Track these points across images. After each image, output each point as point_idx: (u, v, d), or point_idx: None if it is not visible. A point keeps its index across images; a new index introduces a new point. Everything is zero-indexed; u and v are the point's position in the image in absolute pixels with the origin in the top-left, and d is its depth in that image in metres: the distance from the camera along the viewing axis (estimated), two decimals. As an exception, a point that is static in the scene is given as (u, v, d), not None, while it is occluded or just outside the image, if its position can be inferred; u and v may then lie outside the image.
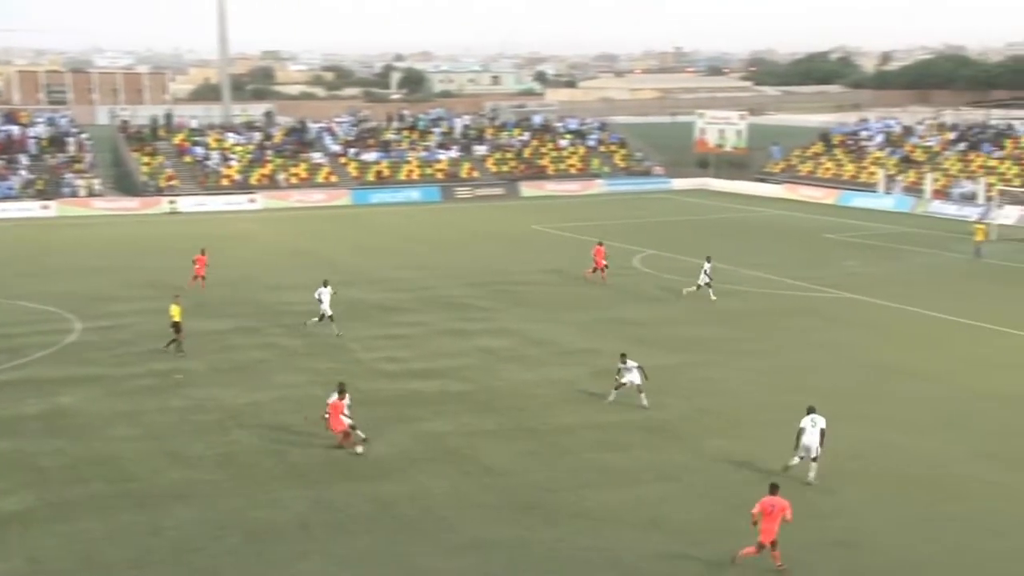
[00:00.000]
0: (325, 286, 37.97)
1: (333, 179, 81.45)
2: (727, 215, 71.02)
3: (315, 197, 78.29)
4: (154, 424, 28.07)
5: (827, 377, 32.05)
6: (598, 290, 45.51)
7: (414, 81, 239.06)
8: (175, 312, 35.27)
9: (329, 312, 37.52)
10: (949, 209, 70.83)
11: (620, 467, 24.58)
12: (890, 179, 77.37)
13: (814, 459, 23.72)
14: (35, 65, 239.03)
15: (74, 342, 36.94)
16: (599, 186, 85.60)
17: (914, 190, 75.52)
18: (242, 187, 78.37)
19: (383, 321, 39.72)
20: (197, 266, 44.94)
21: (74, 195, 74.23)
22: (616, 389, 29.46)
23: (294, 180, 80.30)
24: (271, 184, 79.28)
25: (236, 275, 48.97)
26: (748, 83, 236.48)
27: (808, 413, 24.05)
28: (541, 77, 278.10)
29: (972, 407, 29.12)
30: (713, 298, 42.11)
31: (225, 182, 78.89)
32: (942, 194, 73.68)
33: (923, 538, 21.08)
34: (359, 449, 25.71)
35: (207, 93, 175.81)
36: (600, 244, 47.95)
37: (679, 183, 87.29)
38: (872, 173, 79.81)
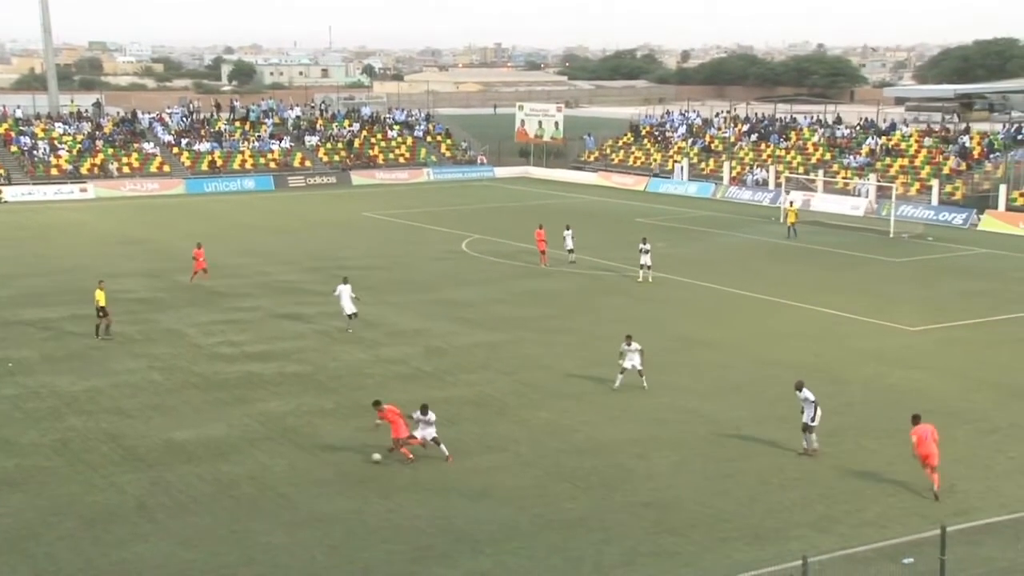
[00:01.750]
0: (345, 283, 35.44)
1: (166, 169, 78.68)
2: (547, 201, 72.05)
3: (149, 186, 75.48)
4: (-14, 414, 26.59)
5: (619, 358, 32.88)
6: (426, 273, 45.53)
7: (245, 73, 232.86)
8: (100, 297, 33.79)
9: (352, 310, 34.99)
10: (744, 195, 73.79)
11: (450, 440, 24.68)
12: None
13: (811, 429, 24.06)
14: None
15: (-101, 333, 34.60)
16: (427, 175, 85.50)
17: (714, 177, 78.37)
18: (73, 177, 74.83)
19: (220, 306, 38.70)
20: (197, 260, 42.03)
21: None
22: (621, 374, 28.86)
23: (126, 170, 77.17)
24: (103, 174, 75.98)
25: (69, 264, 46.82)
26: (563, 78, 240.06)
27: (799, 390, 24.16)
28: (369, 70, 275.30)
29: (759, 373, 30.42)
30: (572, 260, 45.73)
31: (55, 172, 75.17)
32: (738, 181, 76.69)
33: (719, 493, 21.94)
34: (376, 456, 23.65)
35: (32, 83, 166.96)
36: (541, 227, 47.78)
37: (502, 171, 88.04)
38: (677, 161, 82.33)
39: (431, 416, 23.42)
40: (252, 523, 20.38)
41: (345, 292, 35.06)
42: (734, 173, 77.77)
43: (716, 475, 22.97)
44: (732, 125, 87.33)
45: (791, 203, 59.73)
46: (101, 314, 34.02)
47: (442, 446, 23.41)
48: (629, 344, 29.00)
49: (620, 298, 40.88)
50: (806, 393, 24.19)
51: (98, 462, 23.45)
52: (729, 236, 57.35)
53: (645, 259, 43.67)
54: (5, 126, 79.49)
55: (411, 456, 23.33)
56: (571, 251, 47.07)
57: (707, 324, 36.82)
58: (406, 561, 18.87)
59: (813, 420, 24.03)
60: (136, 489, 21.94)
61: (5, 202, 69.48)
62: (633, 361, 28.81)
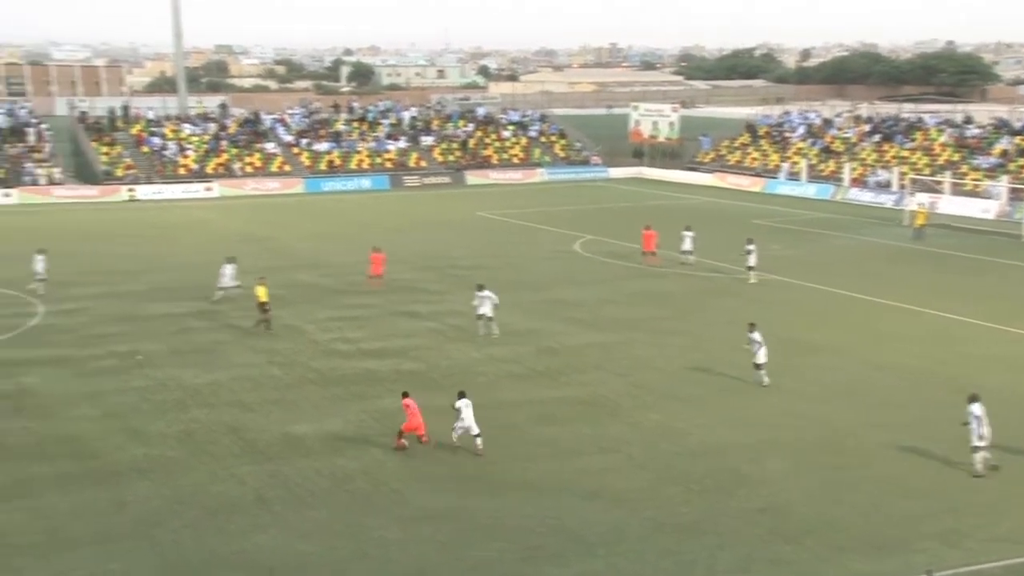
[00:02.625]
0: (480, 290, 34.53)
1: (287, 168, 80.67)
2: (661, 202, 71.46)
3: (270, 185, 77.51)
4: (115, 403, 27.70)
5: (747, 353, 32.33)
6: (538, 273, 45.61)
7: (363, 74, 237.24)
8: (261, 293, 35.23)
9: (486, 313, 34.18)
10: (865, 196, 71.90)
11: (562, 440, 24.71)
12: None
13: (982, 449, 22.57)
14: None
15: (37, 325, 36.31)
16: (540, 175, 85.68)
17: (834, 179, 76.57)
18: (199, 176, 77.38)
19: (337, 304, 39.49)
20: (373, 264, 42.54)
21: (34, 183, 72.78)
22: (759, 370, 28.86)
23: (249, 169, 79.40)
24: (227, 173, 78.34)
25: (194, 260, 48.38)
26: (679, 77, 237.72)
27: (971, 403, 22.72)
28: (484, 71, 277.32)
29: (872, 377, 29.58)
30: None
31: (182, 171, 77.83)
32: (859, 182, 74.74)
33: (834, 501, 21.43)
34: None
35: (163, 85, 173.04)
36: (648, 228, 47.85)
37: (615, 172, 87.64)
38: (795, 163, 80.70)
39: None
40: (366, 518, 20.74)
41: (486, 300, 34.21)
42: (855, 174, 75.83)
43: (832, 482, 22.45)
44: (854, 125, 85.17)
45: (920, 204, 57.95)
46: (262, 309, 35.24)
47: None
48: (752, 331, 28.88)
49: (732, 300, 40.30)
50: (974, 408, 22.47)
51: (220, 453, 24.19)
52: (847, 238, 55.96)
53: (751, 260, 42.98)
54: (138, 127, 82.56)
55: (404, 444, 24.20)
56: (687, 252, 46.51)
57: (819, 327, 35.99)
58: (516, 560, 18.95)
59: (981, 439, 22.34)
60: (255, 481, 22.56)
61: (137, 200, 72.24)
62: (757, 356, 28.65)
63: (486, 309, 34.30)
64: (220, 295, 39.48)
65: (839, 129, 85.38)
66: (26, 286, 40.90)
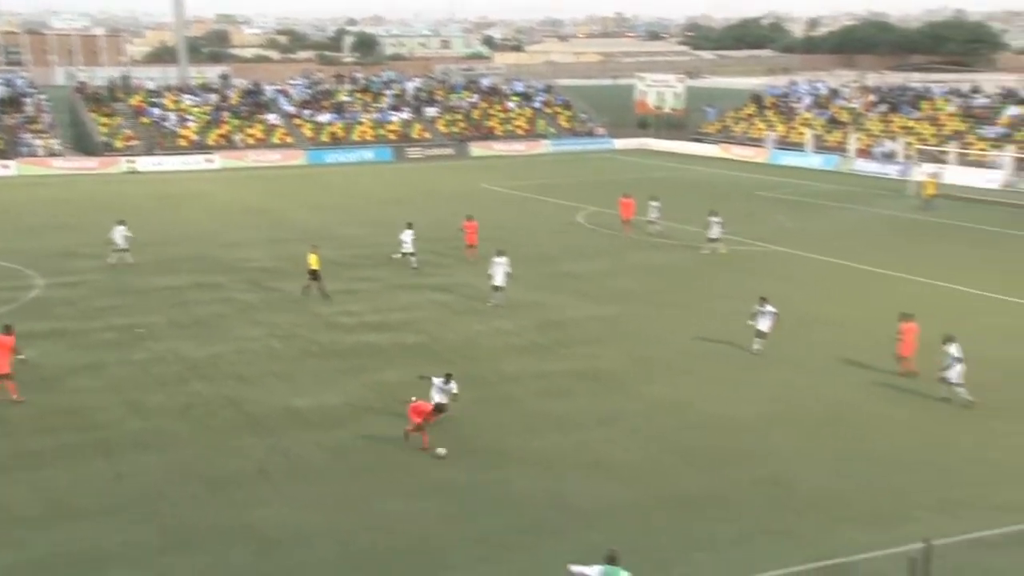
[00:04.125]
0: (499, 255, 34.91)
1: (288, 140, 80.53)
2: (666, 173, 71.29)
3: (271, 157, 77.41)
4: (116, 376, 27.78)
5: (750, 326, 32.35)
6: (542, 245, 45.57)
7: (366, 45, 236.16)
8: (313, 261, 35.53)
9: (500, 283, 34.62)
10: (871, 167, 71.67)
11: (564, 413, 24.77)
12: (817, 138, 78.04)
13: (958, 385, 24.99)
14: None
15: (36, 297, 36.37)
16: (545, 146, 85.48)
17: (840, 149, 76.30)
18: (200, 147, 77.28)
19: (339, 276, 39.48)
20: (467, 233, 42.56)
21: (33, 154, 72.75)
22: (759, 338, 29.14)
23: (250, 141, 79.27)
24: (228, 144, 78.23)
25: (195, 232, 48.39)
26: (685, 48, 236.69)
27: (947, 343, 25.21)
28: (489, 41, 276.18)
29: (879, 352, 29.51)
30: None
31: (183, 142, 77.71)
32: (865, 153, 74.47)
33: (835, 473, 21.50)
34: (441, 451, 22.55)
35: (163, 55, 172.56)
36: (626, 196, 48.35)
37: (621, 143, 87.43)
38: (801, 133, 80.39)
39: (452, 386, 23.66)
40: (368, 490, 20.83)
41: (499, 265, 34.53)
42: (861, 145, 75.55)
43: (835, 454, 22.50)
44: (860, 95, 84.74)
45: (929, 174, 57.73)
46: (312, 276, 35.61)
47: (439, 416, 22.76)
48: (763, 305, 28.90)
49: (737, 273, 40.25)
50: (953, 349, 24.73)
51: (220, 426, 24.28)
52: (852, 210, 55.81)
53: (714, 232, 42.81)
54: (138, 98, 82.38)
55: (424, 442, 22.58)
56: (653, 222, 46.96)
57: (824, 299, 35.97)
58: (519, 532, 19.04)
59: (959, 378, 24.63)
60: (257, 453, 22.65)
61: (136, 172, 72.17)
62: (762, 324, 28.82)
63: (499, 279, 34.41)
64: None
65: (846, 99, 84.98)
66: (106, 259, 41.32)
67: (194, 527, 19.28)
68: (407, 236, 40.67)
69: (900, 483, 21.06)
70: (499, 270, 34.51)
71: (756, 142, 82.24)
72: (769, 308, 28.98)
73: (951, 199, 56.86)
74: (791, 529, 19.12)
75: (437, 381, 23.68)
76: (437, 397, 23.51)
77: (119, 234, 41.28)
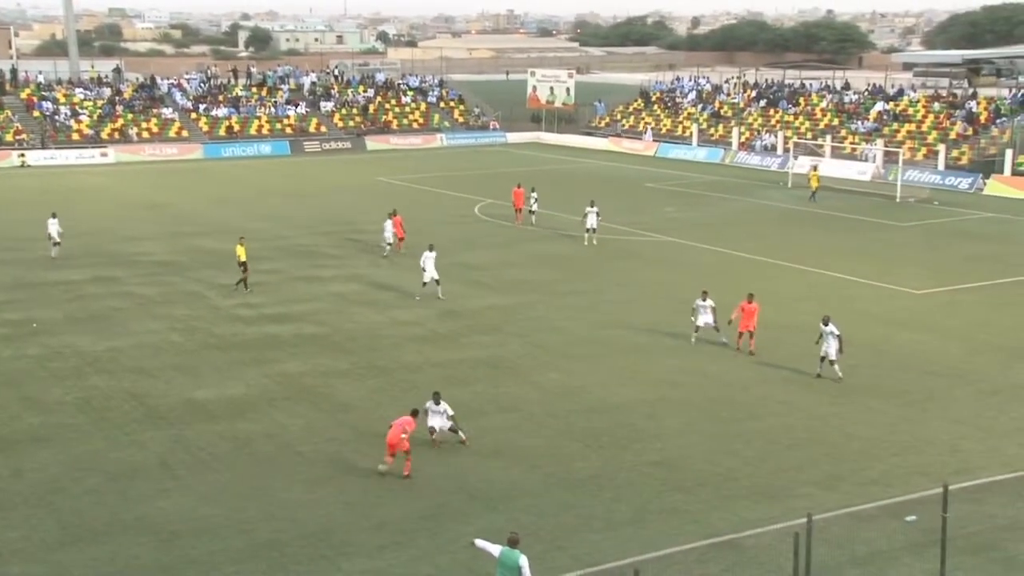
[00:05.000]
0: (431, 251, 34.49)
1: (184, 134, 78.58)
2: (558, 166, 71.75)
3: (168, 151, 75.45)
4: (11, 371, 26.77)
5: (643, 313, 32.88)
6: (439, 237, 45.33)
7: (261, 39, 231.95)
8: (240, 252, 34.64)
9: (435, 276, 34.22)
10: (753, 160, 73.32)
11: (465, 400, 24.73)
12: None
13: (832, 362, 26.00)
14: None
15: (-74, 295, 34.77)
16: (440, 140, 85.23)
17: (723, 143, 77.86)
18: (93, 141, 74.84)
19: (239, 269, 38.69)
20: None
21: (-80, 149, 69.44)
22: (695, 331, 29.09)
23: (146, 135, 77.11)
24: (123, 139, 75.94)
25: (91, 227, 46.89)
26: (575, 44, 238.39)
27: (825, 324, 26.07)
28: (383, 37, 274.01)
29: (766, 336, 30.21)
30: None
31: (76, 136, 75.15)
32: (747, 146, 76.16)
33: (726, 453, 21.95)
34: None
35: (53, 49, 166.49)
36: (519, 186, 48.76)
37: (514, 136, 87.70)
38: (686, 127, 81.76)
39: (443, 406, 21.74)
40: (271, 480, 20.49)
41: (430, 259, 34.27)
42: (743, 139, 77.23)
43: (724, 435, 22.97)
44: (742, 91, 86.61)
45: (815, 167, 59.25)
46: (243, 268, 34.79)
47: (460, 432, 21.99)
48: (704, 299, 29.08)
49: (628, 262, 40.77)
50: (832, 327, 25.87)
51: (121, 420, 23.59)
52: (737, 201, 57.04)
53: (591, 221, 43.21)
54: (28, 91, 79.36)
55: (390, 462, 20.61)
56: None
57: (713, 287, 36.55)
58: (421, 517, 18.95)
59: (840, 352, 25.87)
60: (158, 446, 22.07)
61: (28, 166, 69.55)
62: (706, 318, 28.95)
63: (431, 271, 34.17)
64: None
65: (728, 95, 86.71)
66: (48, 254, 39.97)
67: (94, 521, 18.70)
68: (388, 226, 41.01)
69: (786, 460, 21.61)
70: (429, 264, 34.17)
71: (642, 136, 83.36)
72: (709, 302, 29.18)
73: (828, 191, 58.51)
74: (683, 507, 19.45)
75: (429, 405, 21.80)
76: (433, 421, 21.77)
77: (54, 227, 39.84)
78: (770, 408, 24.65)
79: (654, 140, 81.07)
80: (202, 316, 32.36)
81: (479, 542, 15.46)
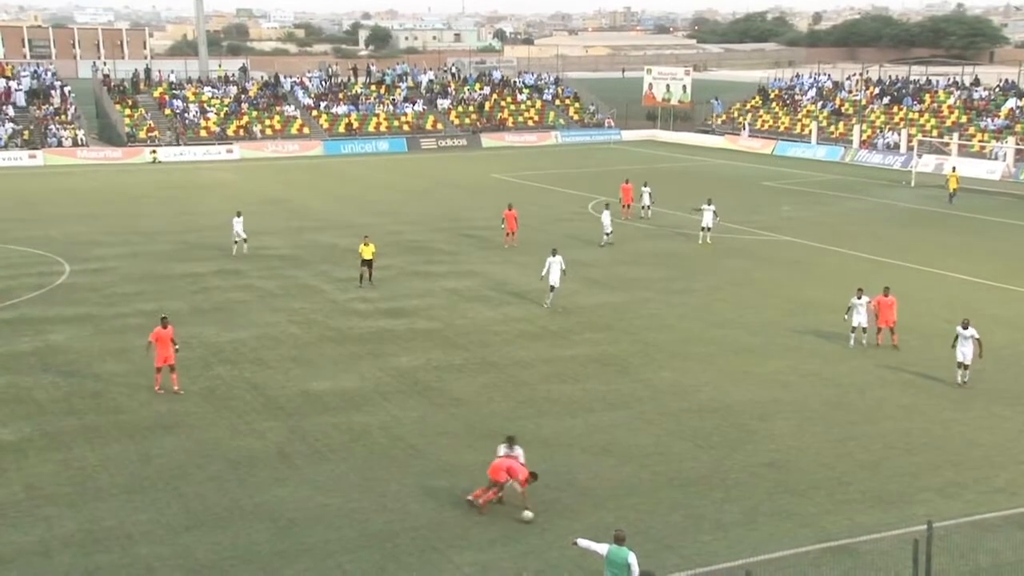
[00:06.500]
0: (554, 255, 33.06)
1: (306, 131, 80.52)
2: (673, 164, 71.08)
3: (289, 148, 77.43)
4: (141, 360, 27.82)
5: (757, 313, 32.35)
6: (552, 234, 45.50)
7: (381, 38, 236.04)
8: (365, 251, 35.57)
9: (554, 283, 32.80)
10: (874, 158, 71.35)
11: (574, 397, 24.76)
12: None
13: (966, 367, 25.47)
14: (18, 20, 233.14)
15: (63, 283, 36.48)
16: (555, 137, 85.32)
17: (844, 141, 75.95)
18: (220, 138, 77.33)
19: (355, 264, 39.45)
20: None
21: (60, 145, 72.90)
22: (852, 332, 28.59)
23: (269, 132, 79.29)
24: (247, 135, 78.26)
25: (216, 221, 48.43)
26: (692, 41, 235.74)
27: (964, 327, 25.38)
28: (500, 35, 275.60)
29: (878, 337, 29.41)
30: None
31: (203, 133, 77.77)
32: (868, 144, 74.14)
33: (840, 456, 21.44)
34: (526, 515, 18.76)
35: (184, 49, 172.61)
36: (627, 182, 49.76)
37: (629, 134, 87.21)
38: (805, 125, 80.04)
39: (518, 450, 19.27)
40: (384, 472, 20.86)
41: (555, 263, 32.87)
42: (864, 137, 75.20)
43: (839, 437, 22.45)
44: (864, 88, 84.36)
45: (953, 168, 57.29)
46: (366, 265, 35.70)
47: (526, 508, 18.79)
48: (859, 297, 28.49)
49: (743, 261, 40.16)
50: (971, 331, 25.21)
51: (242, 409, 24.35)
52: (856, 200, 55.59)
53: (706, 219, 42.72)
54: (160, 90, 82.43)
55: (482, 502, 19.06)
56: (646, 207, 48.70)
57: (829, 287, 35.83)
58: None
59: (979, 357, 25.31)
60: (276, 436, 22.71)
61: (159, 162, 72.27)
62: (860, 318, 28.34)
63: (554, 278, 32.79)
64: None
65: (849, 92, 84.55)
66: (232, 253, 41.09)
67: (216, 506, 19.35)
68: (606, 218, 42.79)
69: (904, 466, 21.00)
70: (555, 268, 32.90)
71: (761, 134, 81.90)
72: (864, 299, 28.51)
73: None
74: (795, 510, 19.09)
75: (502, 449, 19.37)
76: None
77: (239, 226, 41.32)
78: (887, 412, 23.99)
79: (755, 136, 79.40)
80: (319, 309, 33.12)
81: (582, 541, 15.45)
